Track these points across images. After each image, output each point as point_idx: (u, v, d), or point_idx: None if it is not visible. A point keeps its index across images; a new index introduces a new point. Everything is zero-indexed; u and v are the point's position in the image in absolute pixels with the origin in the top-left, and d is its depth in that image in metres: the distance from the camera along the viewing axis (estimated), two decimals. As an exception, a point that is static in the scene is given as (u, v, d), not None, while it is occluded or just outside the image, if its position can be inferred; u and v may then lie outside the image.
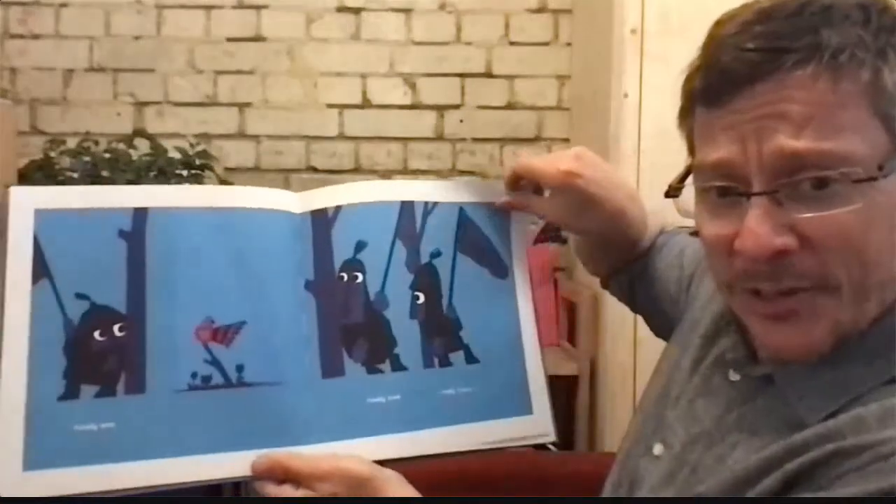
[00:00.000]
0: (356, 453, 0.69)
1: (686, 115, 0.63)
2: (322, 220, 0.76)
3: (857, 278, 0.55)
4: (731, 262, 0.58)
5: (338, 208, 0.77)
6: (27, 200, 0.67)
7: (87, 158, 1.85)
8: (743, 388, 0.64)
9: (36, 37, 2.16)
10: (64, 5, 2.16)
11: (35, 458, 0.62)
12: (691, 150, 0.63)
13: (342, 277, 0.75)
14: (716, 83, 0.56)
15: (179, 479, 0.66)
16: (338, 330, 0.73)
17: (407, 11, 2.19)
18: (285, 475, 0.66)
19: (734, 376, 0.65)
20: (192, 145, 2.00)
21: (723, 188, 0.58)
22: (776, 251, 0.54)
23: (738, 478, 0.57)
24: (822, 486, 0.52)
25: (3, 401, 0.63)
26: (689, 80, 0.61)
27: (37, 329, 0.65)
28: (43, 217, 0.67)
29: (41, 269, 0.66)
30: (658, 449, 0.68)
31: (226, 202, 0.73)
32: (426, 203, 0.80)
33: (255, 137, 2.20)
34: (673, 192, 0.63)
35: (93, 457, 0.64)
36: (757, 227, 0.54)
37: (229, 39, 2.18)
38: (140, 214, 0.70)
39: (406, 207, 0.79)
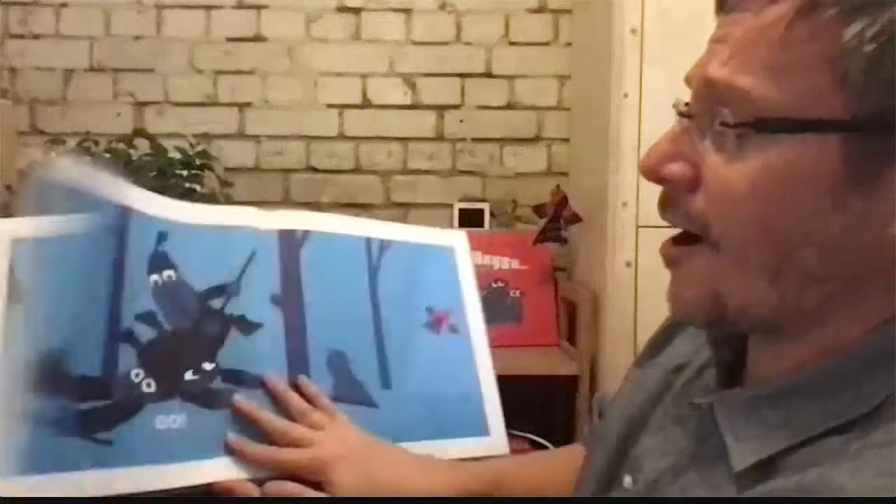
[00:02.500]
0: None
1: None
2: (290, 239, 0.80)
3: (739, 243, 0.48)
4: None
5: (307, 232, 0.81)
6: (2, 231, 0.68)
7: (86, 158, 1.84)
8: (702, 422, 0.55)
9: (36, 37, 2.16)
10: (64, 5, 2.16)
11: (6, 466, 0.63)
12: None
13: (307, 295, 0.79)
14: (716, 3, 0.52)
15: (154, 486, 0.67)
16: (304, 345, 0.77)
17: (407, 11, 2.19)
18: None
19: (698, 402, 0.57)
20: (192, 145, 2.00)
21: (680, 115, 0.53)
22: (664, 175, 0.51)
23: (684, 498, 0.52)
24: None
25: None
26: None
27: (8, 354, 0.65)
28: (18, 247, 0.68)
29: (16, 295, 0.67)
30: (627, 481, 0.61)
31: (191, 219, 0.76)
32: (381, 241, 0.86)
33: (255, 137, 2.20)
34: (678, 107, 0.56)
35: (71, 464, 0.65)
36: (657, 146, 0.51)
37: (229, 39, 2.18)
38: (125, 213, 0.71)
39: (367, 243, 0.85)
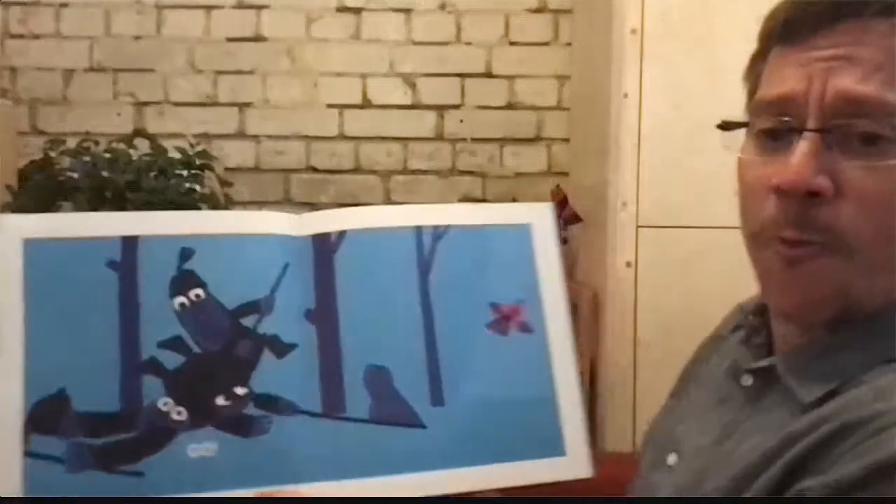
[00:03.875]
0: (371, 492, 0.67)
1: (758, 58, 0.63)
2: (324, 245, 0.73)
3: (876, 248, 0.54)
4: (765, 205, 0.58)
5: (342, 233, 0.74)
6: (15, 229, 0.68)
7: (87, 158, 1.84)
8: (752, 392, 0.64)
9: (36, 37, 2.16)
10: (64, 5, 2.16)
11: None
12: (752, 98, 0.64)
13: (341, 308, 0.72)
14: (799, 18, 0.57)
15: None
16: (338, 364, 0.71)
17: (407, 11, 2.19)
18: None
19: (746, 381, 0.65)
20: (192, 145, 1.99)
21: (773, 131, 0.58)
22: (811, 190, 0.54)
23: (739, 474, 0.57)
24: (822, 468, 0.51)
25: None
26: (769, 19, 0.61)
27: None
28: (32, 246, 0.68)
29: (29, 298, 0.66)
30: (672, 459, 0.68)
31: (219, 228, 0.72)
32: (436, 227, 0.75)
33: (255, 137, 2.20)
34: (726, 126, 0.62)
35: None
36: (801, 161, 0.54)
37: (229, 39, 2.18)
38: (129, 244, 0.69)
39: (417, 234, 0.75)
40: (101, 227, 0.71)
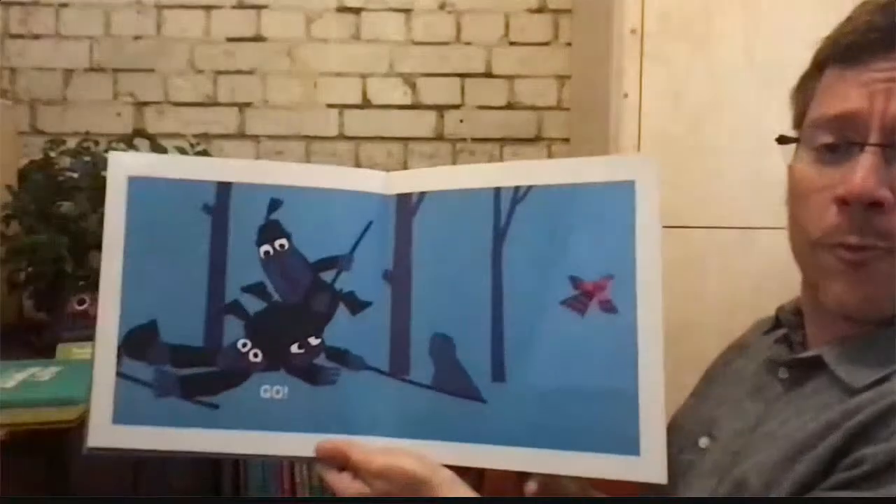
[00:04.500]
0: (429, 453, 0.67)
1: (810, 78, 0.67)
2: (406, 206, 0.72)
3: None
4: (826, 214, 0.61)
5: (422, 194, 0.72)
6: (121, 166, 0.72)
7: (87, 158, 1.85)
8: (791, 381, 0.67)
9: (36, 37, 2.16)
10: (64, 5, 2.16)
11: (122, 414, 0.69)
12: (801, 115, 0.67)
13: (415, 271, 0.72)
14: (861, 40, 0.61)
15: (253, 450, 0.70)
16: (407, 328, 0.72)
17: (407, 11, 2.19)
18: (346, 463, 0.67)
19: (784, 374, 0.68)
20: (192, 145, 2.00)
21: (834, 144, 0.62)
22: (876, 199, 0.58)
23: (796, 443, 0.59)
24: (883, 437, 0.54)
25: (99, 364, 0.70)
26: (827, 40, 0.65)
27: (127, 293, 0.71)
28: (135, 184, 0.72)
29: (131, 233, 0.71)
30: (704, 442, 0.70)
31: (311, 181, 0.74)
32: (516, 189, 0.70)
33: (255, 137, 2.20)
34: (783, 140, 0.67)
35: (175, 420, 0.70)
36: (866, 174, 0.58)
37: (229, 39, 2.18)
38: (224, 189, 0.72)
39: (496, 196, 0.70)
40: (199, 170, 0.74)
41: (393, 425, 0.70)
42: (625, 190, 0.68)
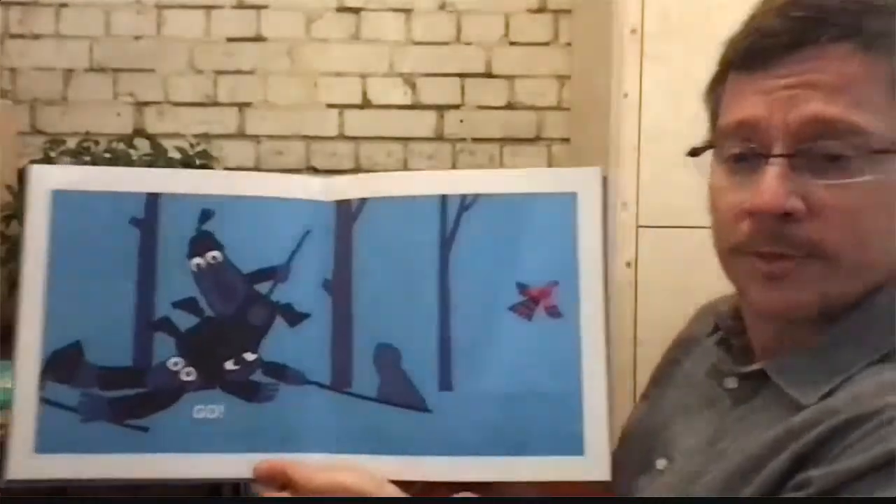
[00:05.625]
0: (373, 468, 0.65)
1: (718, 82, 0.66)
2: (346, 212, 0.70)
3: (852, 254, 0.57)
4: (740, 226, 0.61)
5: (363, 200, 0.70)
6: (45, 180, 0.69)
7: (87, 158, 1.85)
8: (740, 393, 0.65)
9: (36, 37, 2.16)
10: (64, 5, 2.16)
11: (45, 443, 0.66)
12: (714, 121, 0.66)
13: (356, 280, 0.70)
14: (758, 46, 0.59)
15: (187, 474, 0.67)
16: (349, 339, 0.69)
17: (407, 11, 2.19)
18: (286, 483, 0.64)
19: (731, 384, 0.66)
20: (192, 145, 2.00)
21: (741, 155, 0.60)
22: (785, 212, 0.57)
23: (742, 464, 0.58)
24: (829, 459, 0.53)
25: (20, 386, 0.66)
26: (729, 45, 0.63)
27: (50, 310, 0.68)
28: (59, 198, 0.69)
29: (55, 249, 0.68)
30: (661, 463, 0.68)
31: (244, 190, 0.71)
32: (463, 197, 0.70)
33: (255, 137, 2.20)
34: (694, 152, 0.66)
35: (103, 446, 0.66)
36: (772, 186, 0.57)
37: (229, 39, 2.18)
38: (153, 201, 0.70)
39: (442, 203, 0.70)
40: (127, 182, 0.71)
41: (335, 441, 0.67)
42: (567, 201, 0.70)
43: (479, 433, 0.67)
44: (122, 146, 1.90)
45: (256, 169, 2.20)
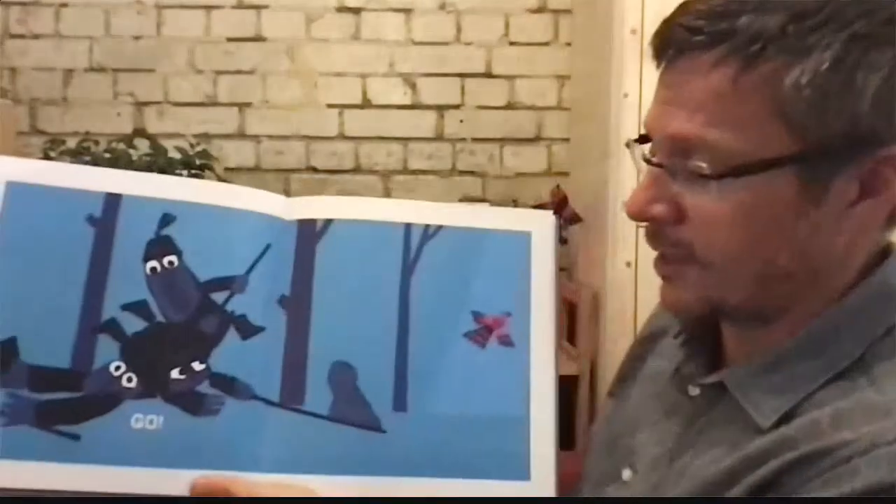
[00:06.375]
0: (318, 488, 0.64)
1: None
2: (309, 232, 0.70)
3: (722, 262, 0.57)
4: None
5: (328, 221, 0.71)
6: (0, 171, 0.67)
7: (87, 158, 1.85)
8: (702, 402, 0.64)
9: (36, 37, 2.16)
10: (64, 5, 2.16)
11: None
12: None
13: (316, 297, 0.69)
14: (654, 52, 0.59)
15: (119, 488, 0.64)
16: (304, 356, 0.68)
17: (407, 11, 2.19)
18: (227, 501, 0.62)
19: (693, 391, 0.65)
20: (192, 145, 2.00)
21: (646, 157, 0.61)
22: (650, 216, 0.58)
23: (702, 486, 0.57)
24: (788, 494, 0.52)
25: None
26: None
27: None
28: (14, 189, 0.66)
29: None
30: (627, 474, 0.67)
31: (208, 198, 0.69)
32: (427, 227, 0.72)
33: (255, 137, 2.20)
34: (630, 145, 0.65)
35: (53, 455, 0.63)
36: (640, 192, 0.59)
37: (229, 39, 2.19)
38: (112, 201, 0.68)
39: (406, 231, 0.72)
40: (87, 180, 0.69)
41: (281, 459, 0.65)
42: (522, 239, 0.74)
43: (428, 455, 0.67)
44: (122, 146, 1.90)
45: (257, 169, 2.20)
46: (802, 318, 0.58)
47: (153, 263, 0.67)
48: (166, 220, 0.68)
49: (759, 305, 0.59)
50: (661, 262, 0.61)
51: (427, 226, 0.72)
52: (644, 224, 0.60)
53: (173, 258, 0.67)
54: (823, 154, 0.53)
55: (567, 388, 1.80)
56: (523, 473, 0.67)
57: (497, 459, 0.68)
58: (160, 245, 0.67)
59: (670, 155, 0.57)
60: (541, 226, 0.75)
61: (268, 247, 0.69)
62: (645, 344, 0.78)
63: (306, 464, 0.65)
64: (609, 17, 1.68)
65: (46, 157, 1.91)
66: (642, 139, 0.61)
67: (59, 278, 0.65)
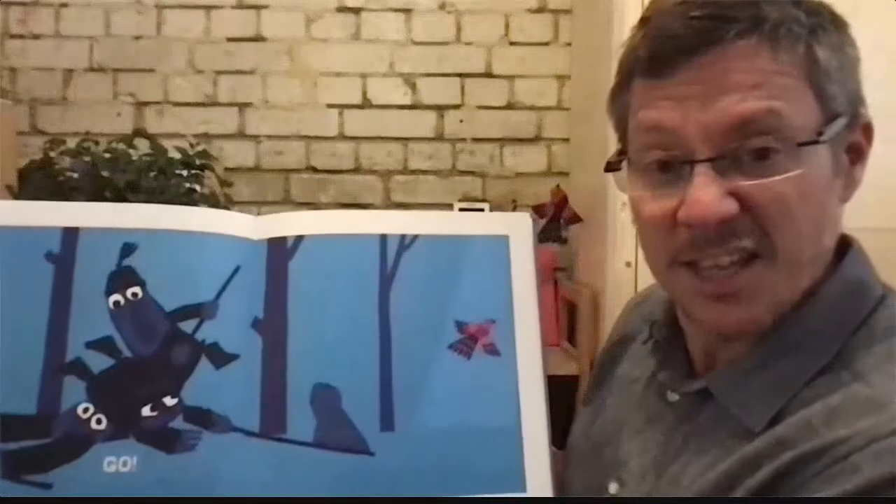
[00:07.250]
0: None
1: (622, 91, 0.62)
2: (280, 250, 0.68)
3: (792, 249, 0.56)
4: (674, 236, 0.58)
5: (299, 238, 0.68)
6: None
7: (87, 158, 1.84)
8: (683, 408, 0.63)
9: (36, 37, 2.16)
10: (64, 5, 2.16)
11: None
12: (623, 131, 0.63)
13: (292, 319, 0.67)
14: (661, 51, 0.56)
15: None
16: (282, 380, 0.65)
17: (407, 11, 2.19)
18: None
19: (672, 397, 0.64)
20: (192, 145, 1.99)
21: (664, 162, 0.58)
22: (722, 217, 0.55)
23: (698, 495, 0.56)
24: (791, 493, 0.52)
25: None
26: (629, 51, 0.60)
27: None
28: None
29: None
30: (614, 488, 0.66)
31: (169, 224, 0.67)
32: (403, 237, 0.70)
33: (255, 137, 2.20)
34: (612, 167, 0.63)
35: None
36: (703, 194, 0.55)
37: (229, 39, 2.18)
38: (70, 235, 0.66)
39: (382, 242, 0.70)
40: (43, 216, 0.67)
41: (265, 493, 0.62)
42: (500, 243, 0.71)
43: (419, 474, 0.65)
44: (122, 146, 1.90)
45: (257, 169, 2.20)
46: (779, 315, 0.57)
47: (116, 297, 0.65)
48: (127, 249, 0.66)
49: (803, 304, 0.58)
50: (725, 278, 0.56)
51: (403, 236, 0.70)
52: (696, 231, 0.56)
53: (137, 289, 0.65)
54: (844, 125, 0.57)
55: (567, 388, 1.80)
56: (519, 485, 0.65)
57: (491, 473, 0.65)
58: (122, 276, 0.65)
59: (726, 142, 0.54)
60: (518, 228, 0.73)
61: (237, 269, 0.67)
62: (615, 349, 0.77)
63: (293, 493, 0.63)
64: (609, 17, 1.68)
65: (46, 157, 1.90)
66: (621, 154, 0.61)
67: (21, 321, 0.63)
